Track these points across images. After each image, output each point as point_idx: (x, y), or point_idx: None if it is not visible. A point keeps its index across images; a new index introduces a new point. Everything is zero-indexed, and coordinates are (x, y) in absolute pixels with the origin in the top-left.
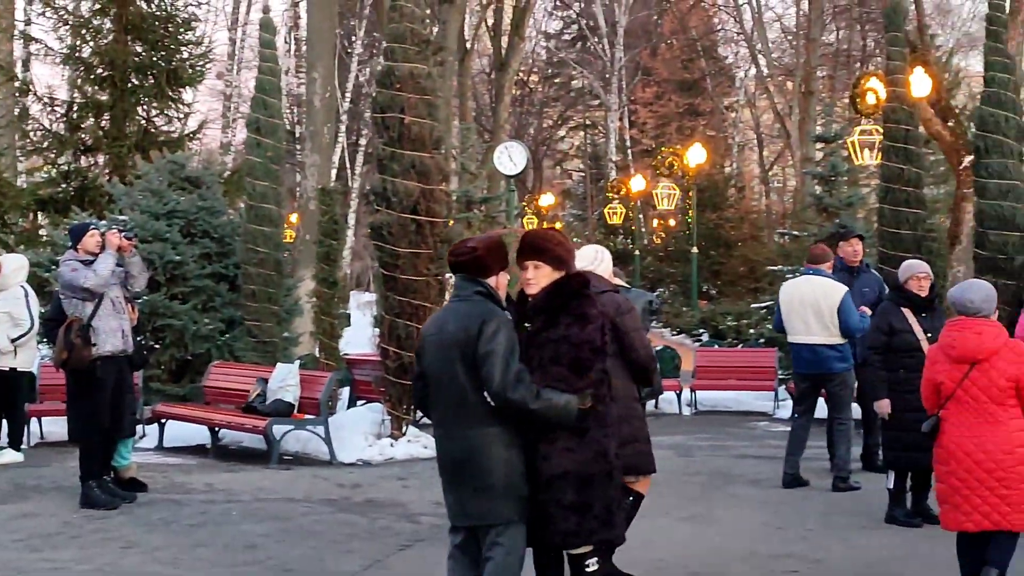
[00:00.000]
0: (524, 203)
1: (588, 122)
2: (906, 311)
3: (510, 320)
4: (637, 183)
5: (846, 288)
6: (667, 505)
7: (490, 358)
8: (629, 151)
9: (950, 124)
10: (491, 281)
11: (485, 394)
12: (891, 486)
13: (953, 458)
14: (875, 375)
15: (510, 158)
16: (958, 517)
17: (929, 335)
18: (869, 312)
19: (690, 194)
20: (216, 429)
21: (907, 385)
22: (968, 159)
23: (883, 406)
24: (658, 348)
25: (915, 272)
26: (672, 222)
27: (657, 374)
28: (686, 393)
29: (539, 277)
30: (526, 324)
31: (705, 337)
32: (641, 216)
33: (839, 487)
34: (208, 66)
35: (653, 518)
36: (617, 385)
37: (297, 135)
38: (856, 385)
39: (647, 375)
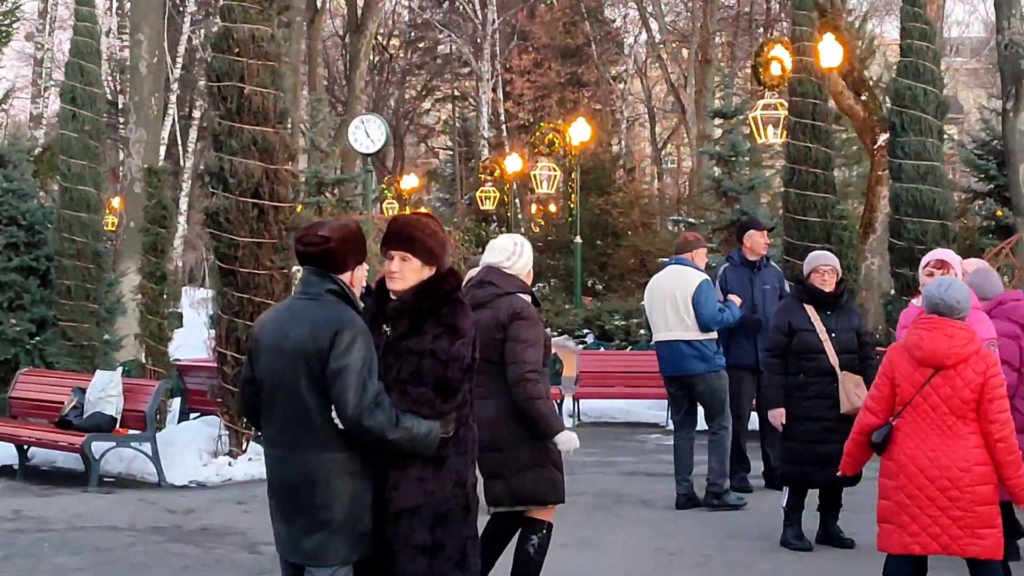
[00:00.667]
0: (383, 185)
1: (457, 93)
2: (809, 308)
3: (367, 330)
4: (513, 163)
5: (704, 276)
6: None
7: (343, 376)
8: (504, 127)
9: (863, 98)
10: (345, 277)
11: (334, 415)
12: (785, 504)
13: (904, 472)
14: (771, 379)
15: (367, 134)
16: (903, 538)
17: (834, 335)
18: (738, 302)
19: (573, 176)
20: (25, 447)
21: (807, 391)
22: (883, 137)
23: (776, 415)
24: None
25: (818, 265)
26: (553, 208)
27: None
28: (568, 402)
29: (405, 271)
30: (385, 327)
31: (590, 339)
32: (517, 201)
33: (712, 504)
34: (15, 26)
35: None
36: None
37: (120, 106)
38: (729, 389)
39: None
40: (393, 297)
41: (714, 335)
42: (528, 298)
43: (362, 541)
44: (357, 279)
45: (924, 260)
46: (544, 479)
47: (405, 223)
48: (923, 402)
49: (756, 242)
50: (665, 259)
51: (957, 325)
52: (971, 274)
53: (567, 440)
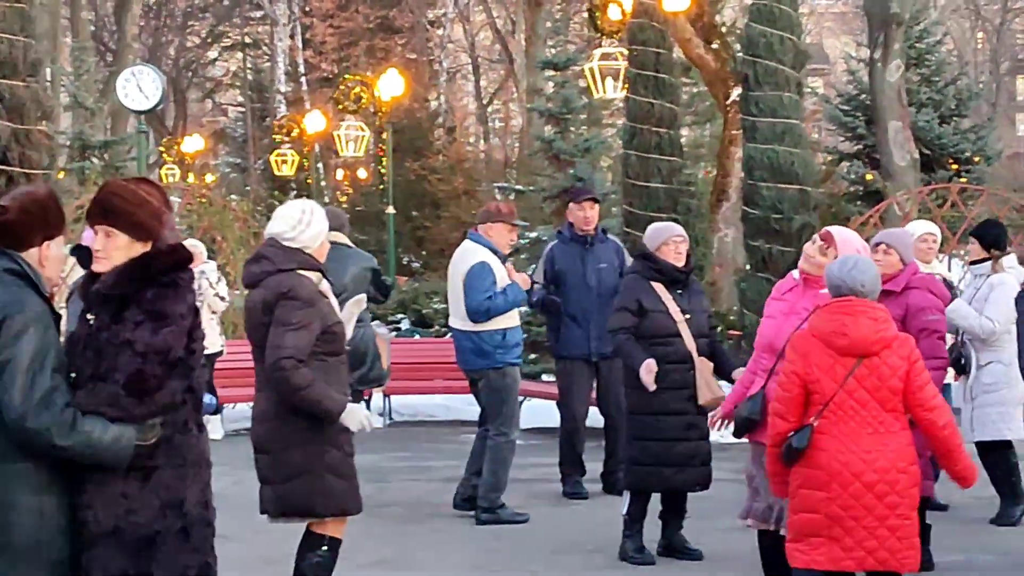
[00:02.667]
0: (161, 148)
1: (248, 40)
2: (657, 286)
3: (44, 317)
4: (314, 122)
5: (481, 257)
6: (349, 548)
7: (7, 371)
8: (303, 79)
9: (715, 46)
10: (31, 254)
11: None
12: (627, 512)
13: (836, 481)
14: (623, 345)
15: (140, 88)
16: (834, 552)
17: (688, 316)
18: (524, 281)
19: (384, 136)
20: None
21: (662, 381)
22: (737, 92)
23: (647, 368)
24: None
25: (669, 236)
26: (362, 173)
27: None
28: (377, 399)
29: (110, 249)
30: (88, 315)
31: (404, 325)
32: (320, 165)
33: (481, 519)
34: None
35: None
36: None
37: None
38: (558, 383)
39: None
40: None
41: (495, 325)
42: (313, 275)
43: (52, 570)
44: (50, 257)
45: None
46: (316, 488)
47: (108, 192)
48: (848, 398)
49: (576, 215)
50: None
51: (877, 307)
52: (895, 239)
53: (352, 417)
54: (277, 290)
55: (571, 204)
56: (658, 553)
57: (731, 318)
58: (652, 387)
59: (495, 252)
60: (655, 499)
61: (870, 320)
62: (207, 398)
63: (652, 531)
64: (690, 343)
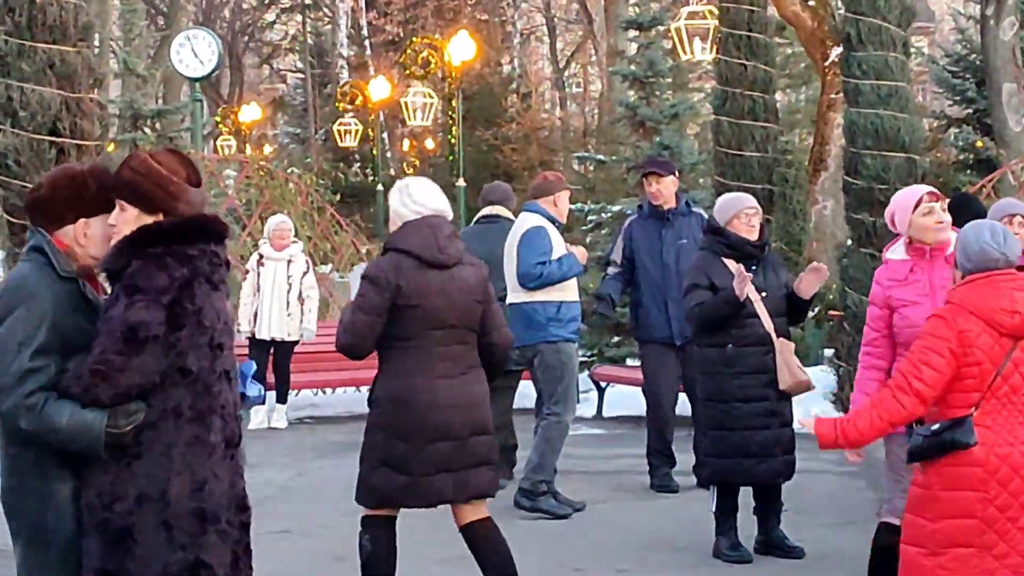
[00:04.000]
0: (217, 118)
1: (308, 1)
2: (729, 263)
3: (39, 295)
4: (379, 89)
5: (536, 223)
6: (422, 543)
7: None
8: (367, 43)
9: (811, 3)
10: (66, 232)
11: None
12: (716, 507)
13: (996, 478)
14: (703, 310)
15: (194, 53)
16: (987, 564)
17: (764, 294)
18: (581, 254)
19: (454, 104)
20: None
21: (737, 365)
22: (836, 52)
23: (741, 279)
24: None
25: (741, 208)
26: (430, 143)
27: None
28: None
29: (121, 223)
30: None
31: None
32: (385, 135)
33: (518, 502)
34: None
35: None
36: None
37: None
38: (643, 369)
39: None
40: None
41: (549, 296)
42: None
43: (62, 556)
44: (90, 235)
45: (909, 197)
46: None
47: (123, 164)
48: (1003, 383)
49: (646, 189)
50: (571, 206)
51: None
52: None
53: None
54: (486, 267)
55: (643, 177)
56: (755, 550)
57: (831, 297)
58: (743, 292)
59: (554, 222)
60: (747, 493)
61: None
62: (253, 387)
63: (750, 527)
64: (767, 323)
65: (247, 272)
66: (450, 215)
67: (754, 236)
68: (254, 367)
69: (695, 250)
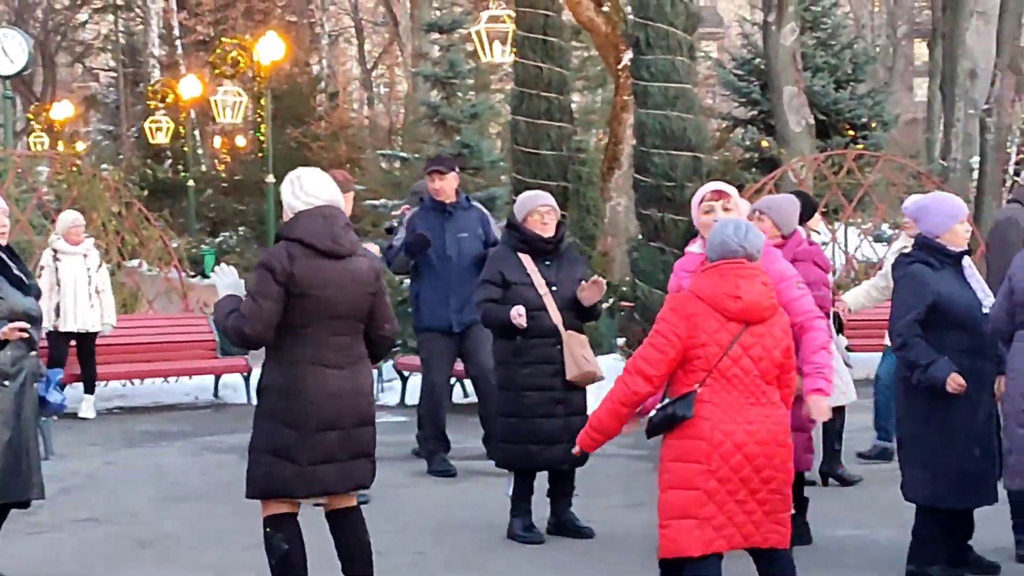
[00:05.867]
0: (30, 115)
1: (120, 2)
2: (524, 258)
3: None
4: (190, 87)
5: None
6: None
7: None
8: (178, 43)
9: (605, 9)
10: None
11: None
12: (512, 490)
13: (718, 452)
14: (492, 315)
15: (5, 52)
16: (707, 534)
17: (555, 288)
18: (374, 250)
19: (263, 102)
20: None
21: (526, 355)
22: (628, 56)
23: (517, 310)
24: None
25: (536, 205)
26: (240, 140)
27: None
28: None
29: None
30: None
31: None
32: (197, 132)
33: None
34: None
35: None
36: None
37: None
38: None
39: None
40: None
41: None
42: None
43: None
44: None
45: (699, 194)
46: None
47: None
48: (732, 365)
49: (432, 186)
50: (375, 201)
51: (764, 273)
52: (772, 206)
53: None
54: (378, 259)
55: (426, 174)
56: (548, 531)
57: (623, 289)
58: (523, 324)
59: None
60: (542, 476)
61: (763, 285)
62: (56, 394)
63: (543, 509)
64: (556, 316)
65: (43, 268)
66: (342, 205)
67: (548, 233)
68: (60, 374)
69: (475, 242)
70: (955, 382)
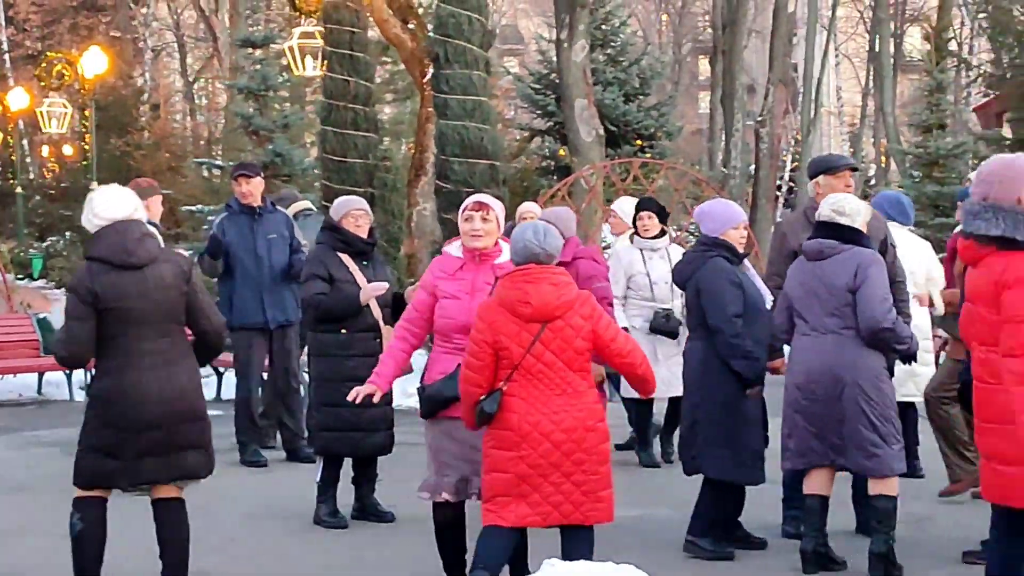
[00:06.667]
0: None
1: None
2: (344, 257)
3: None
4: (17, 99)
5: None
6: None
7: None
8: (6, 57)
9: (411, 27)
10: None
11: None
12: (320, 477)
13: (527, 441)
14: (327, 304)
15: None
16: (522, 510)
17: None
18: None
19: (87, 113)
20: None
21: (351, 349)
22: (431, 70)
23: (373, 287)
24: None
25: (351, 209)
26: (67, 150)
27: None
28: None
29: None
30: None
31: None
32: (25, 142)
33: None
34: None
35: None
36: None
37: None
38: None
39: None
40: None
41: None
42: None
43: None
44: None
45: (464, 204)
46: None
47: None
48: (536, 362)
49: (240, 189)
50: (192, 207)
51: (557, 271)
52: (553, 216)
53: None
54: (187, 261)
55: (233, 179)
56: (352, 516)
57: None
58: (380, 291)
59: (155, 225)
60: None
61: (551, 286)
62: None
63: (346, 496)
64: (377, 312)
65: None
66: (141, 215)
67: (363, 234)
68: None
69: (283, 244)
70: (757, 393)
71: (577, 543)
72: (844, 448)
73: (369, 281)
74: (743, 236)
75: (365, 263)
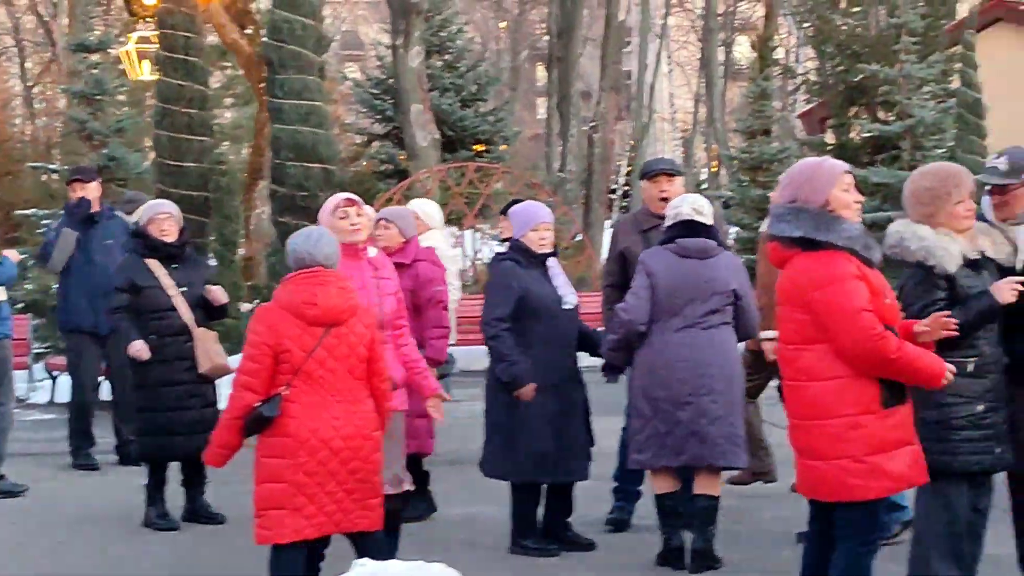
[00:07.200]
0: None
1: None
2: (152, 263)
3: None
4: None
5: None
6: None
7: None
8: None
9: (248, 32)
10: None
11: None
12: (148, 482)
13: (304, 448)
14: (122, 329)
15: None
16: (298, 523)
17: (185, 289)
18: (16, 257)
19: None
20: None
21: (161, 353)
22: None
23: (136, 349)
24: None
25: (156, 213)
26: None
27: None
28: None
29: None
30: None
31: None
32: None
33: None
34: None
35: None
36: None
37: None
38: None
39: None
40: None
41: None
42: None
43: None
44: None
45: (332, 203)
46: None
47: None
48: (318, 367)
49: (75, 195)
50: (25, 211)
51: (342, 276)
52: (395, 215)
53: None
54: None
55: (68, 184)
56: (183, 518)
57: (265, 290)
58: (145, 357)
59: None
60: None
61: (339, 289)
62: None
63: (178, 498)
64: (186, 315)
65: None
66: None
67: (169, 238)
68: None
69: (120, 249)
70: (527, 394)
71: (365, 549)
72: (705, 443)
73: (179, 286)
74: (543, 237)
75: (175, 267)
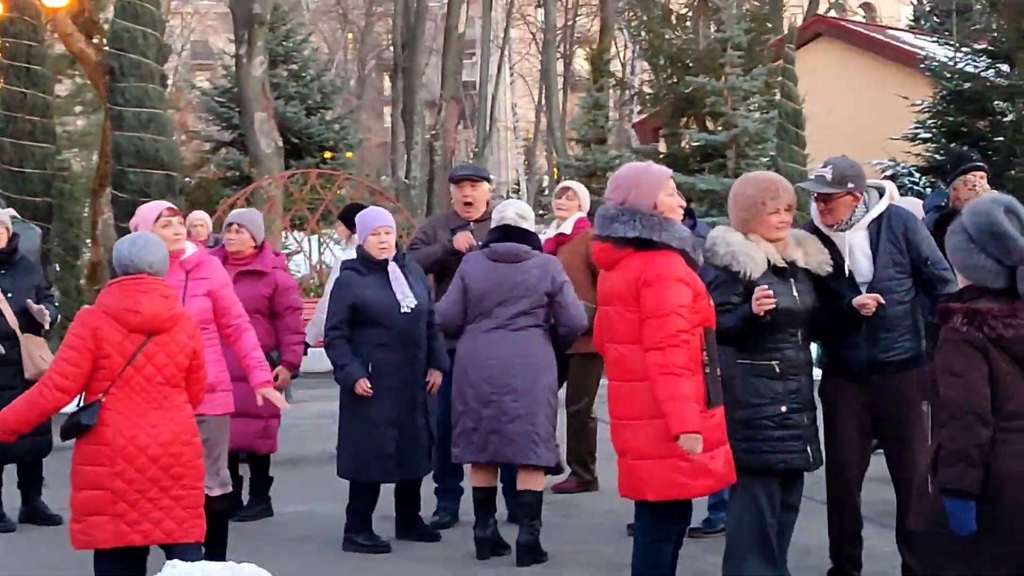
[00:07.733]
0: None
1: None
2: None
3: None
4: None
5: None
6: None
7: None
8: None
9: (95, 41)
10: None
11: None
12: None
13: (122, 456)
14: None
15: None
16: (120, 528)
17: (11, 295)
18: None
19: None
20: None
21: None
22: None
23: None
24: None
25: None
26: None
27: None
28: None
29: None
30: None
31: None
32: None
33: None
34: None
35: None
36: None
37: None
38: None
39: None
40: None
41: None
42: None
43: None
44: None
45: (155, 211)
46: None
47: None
48: (136, 374)
49: None
50: None
51: (165, 284)
52: (246, 220)
53: None
54: None
55: None
56: (20, 520)
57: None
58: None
59: None
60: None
61: (162, 297)
62: None
63: (14, 500)
64: (12, 320)
65: None
66: None
67: (1, 244)
68: None
69: None
70: (361, 388)
71: (179, 551)
72: (504, 441)
73: (5, 292)
74: (382, 242)
75: (2, 273)
